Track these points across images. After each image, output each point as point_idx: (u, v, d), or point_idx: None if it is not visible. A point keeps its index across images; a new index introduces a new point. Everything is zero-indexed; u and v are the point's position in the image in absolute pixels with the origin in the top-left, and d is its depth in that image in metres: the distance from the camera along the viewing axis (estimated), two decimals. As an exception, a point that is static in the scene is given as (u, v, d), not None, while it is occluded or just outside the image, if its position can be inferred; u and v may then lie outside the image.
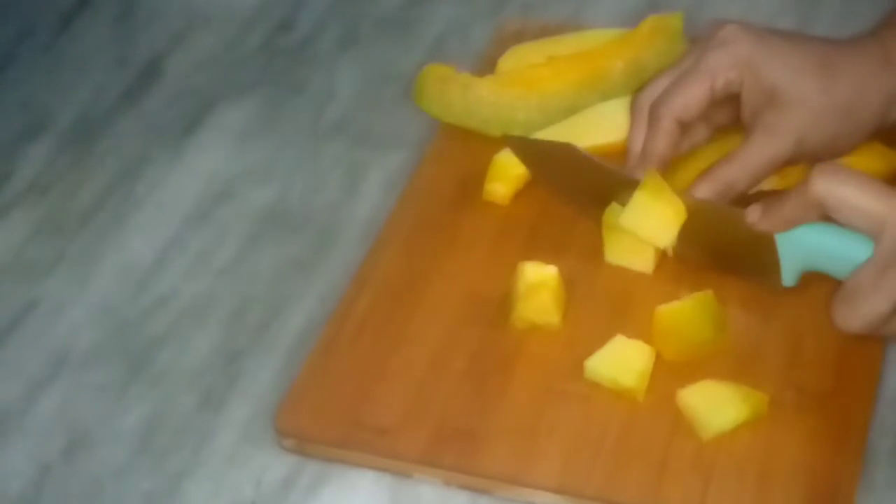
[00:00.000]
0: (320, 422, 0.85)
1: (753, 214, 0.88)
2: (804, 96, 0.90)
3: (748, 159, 0.91)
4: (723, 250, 0.90)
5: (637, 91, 0.97)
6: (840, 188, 0.83)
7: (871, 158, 0.94)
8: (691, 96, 0.91)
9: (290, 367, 0.89)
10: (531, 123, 1.00)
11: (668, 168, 0.93)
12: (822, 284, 0.88)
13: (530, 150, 0.96)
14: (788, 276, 0.88)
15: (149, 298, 0.95)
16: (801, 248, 0.87)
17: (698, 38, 0.95)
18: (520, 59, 1.05)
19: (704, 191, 0.91)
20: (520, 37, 1.08)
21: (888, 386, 0.86)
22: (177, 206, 1.01)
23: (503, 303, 0.90)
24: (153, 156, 1.05)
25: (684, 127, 0.92)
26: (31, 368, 0.91)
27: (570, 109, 1.00)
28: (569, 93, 1.01)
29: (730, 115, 0.94)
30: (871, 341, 0.86)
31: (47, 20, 1.18)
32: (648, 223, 0.90)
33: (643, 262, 0.92)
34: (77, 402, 0.89)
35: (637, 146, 0.94)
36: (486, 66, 1.06)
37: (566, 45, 1.06)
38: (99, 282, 0.97)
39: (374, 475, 0.84)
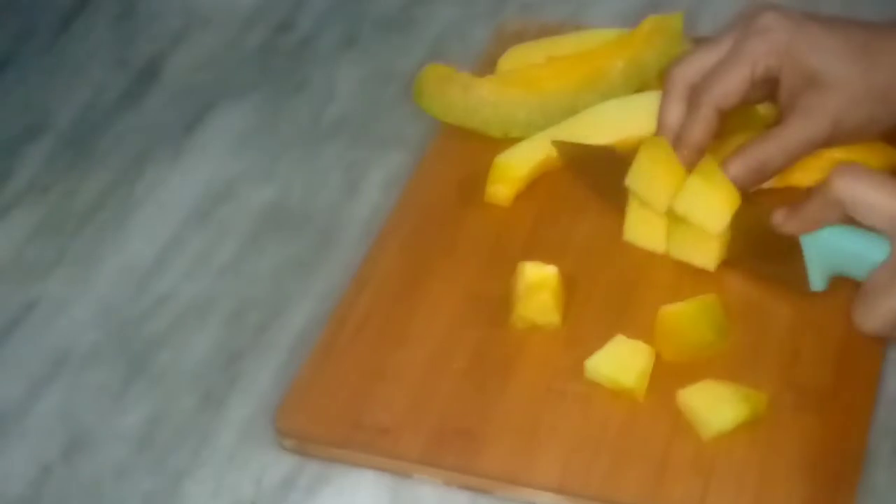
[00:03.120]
0: (320, 422, 0.85)
1: (779, 216, 0.88)
2: (843, 79, 0.90)
3: (784, 139, 0.91)
4: (756, 251, 0.90)
5: (670, 65, 0.95)
6: (858, 187, 0.83)
7: (871, 154, 0.94)
8: (731, 84, 0.91)
9: (290, 367, 0.89)
10: (531, 123, 1.00)
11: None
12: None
13: (575, 155, 0.97)
14: (816, 280, 0.88)
15: (149, 298, 0.95)
16: (826, 250, 0.86)
17: (736, 18, 0.94)
18: (520, 59, 1.05)
19: (737, 167, 0.90)
20: (520, 37, 1.08)
21: (888, 386, 0.86)
22: (177, 206, 1.01)
23: (503, 303, 0.89)
24: (153, 156, 1.05)
25: (722, 113, 0.92)
26: (31, 368, 0.91)
27: (570, 109, 1.00)
28: (569, 93, 1.01)
29: (765, 93, 0.94)
30: (871, 341, 0.86)
31: (47, 20, 1.18)
32: (703, 208, 0.88)
33: (705, 257, 0.90)
34: (77, 402, 0.89)
35: (668, 120, 0.93)
36: (486, 66, 1.06)
37: (566, 45, 1.05)
38: (99, 282, 0.97)
39: (374, 475, 0.84)
